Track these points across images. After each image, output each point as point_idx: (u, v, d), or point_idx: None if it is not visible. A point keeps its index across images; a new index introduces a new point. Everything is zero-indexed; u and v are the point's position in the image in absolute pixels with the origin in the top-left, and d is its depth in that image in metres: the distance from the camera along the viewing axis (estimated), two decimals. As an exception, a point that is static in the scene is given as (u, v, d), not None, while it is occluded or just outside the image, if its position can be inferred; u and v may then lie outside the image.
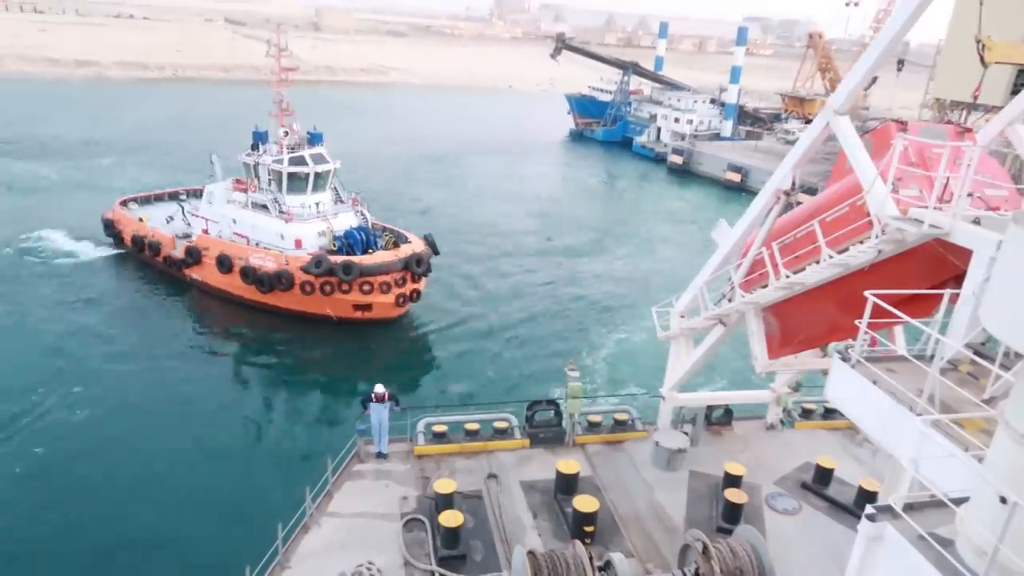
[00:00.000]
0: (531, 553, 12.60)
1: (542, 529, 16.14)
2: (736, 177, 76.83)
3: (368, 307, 36.75)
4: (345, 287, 35.42)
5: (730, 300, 17.21)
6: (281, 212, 38.24)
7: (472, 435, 19.47)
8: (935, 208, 11.16)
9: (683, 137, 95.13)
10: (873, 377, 9.25)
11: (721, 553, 12.64)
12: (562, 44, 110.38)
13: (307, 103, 55.14)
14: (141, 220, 44.88)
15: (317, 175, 38.87)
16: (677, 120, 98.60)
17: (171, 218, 45.77)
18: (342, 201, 40.34)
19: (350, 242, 37.34)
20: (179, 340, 36.07)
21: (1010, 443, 6.11)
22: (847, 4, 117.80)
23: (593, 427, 20.04)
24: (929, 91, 79.72)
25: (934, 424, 7.49)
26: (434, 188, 70.26)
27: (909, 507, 6.73)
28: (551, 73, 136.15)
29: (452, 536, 14.83)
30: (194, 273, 40.90)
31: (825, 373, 12.30)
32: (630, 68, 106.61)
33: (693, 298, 18.93)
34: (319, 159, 39.26)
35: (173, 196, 49.75)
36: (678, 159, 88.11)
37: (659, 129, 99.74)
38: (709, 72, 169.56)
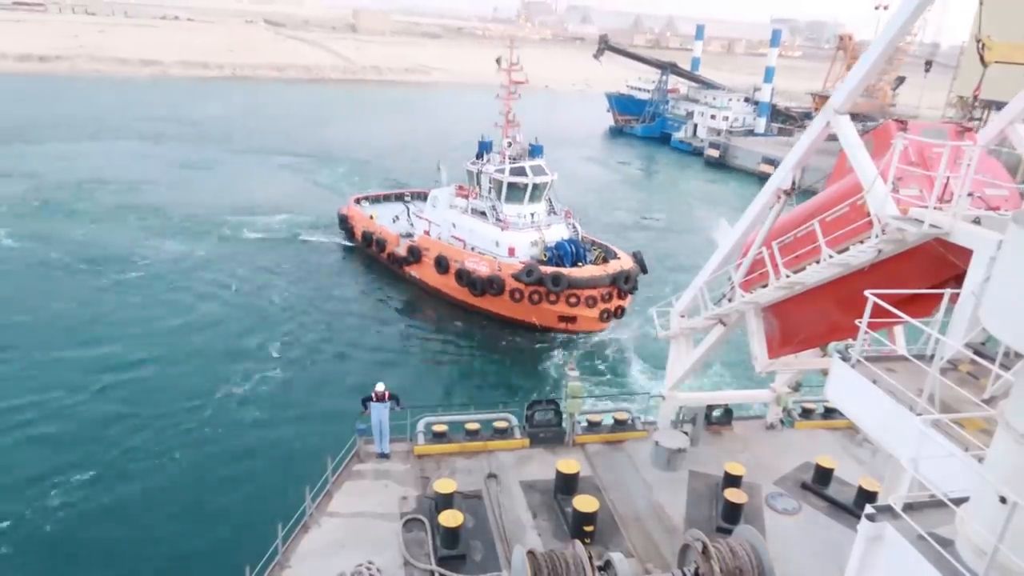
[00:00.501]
0: (531, 553, 12.59)
1: (542, 529, 16.13)
2: (770, 169, 78.87)
3: (572, 319, 37.44)
4: (552, 298, 36.29)
5: (730, 300, 17.20)
6: (498, 220, 39.70)
7: (472, 435, 19.45)
8: (935, 208, 11.15)
9: (719, 133, 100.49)
10: (873, 377, 9.25)
11: (721, 553, 12.63)
12: (605, 45, 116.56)
13: (363, 101, 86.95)
14: (371, 217, 48.56)
15: (535, 186, 40.25)
16: (713, 117, 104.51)
17: (397, 218, 48.81)
18: (555, 213, 41.58)
19: (560, 254, 38.29)
20: (391, 328, 39.28)
21: (1010, 443, 6.10)
22: (876, 8, 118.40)
23: (593, 427, 20.03)
24: (953, 90, 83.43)
25: (934, 424, 7.49)
26: None
27: (909, 507, 6.72)
28: (585, 74, 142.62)
29: (452, 536, 14.82)
30: (413, 271, 43.33)
31: (825, 373, 12.30)
32: (668, 68, 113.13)
33: (693, 298, 18.93)
34: (538, 171, 40.60)
35: (399, 197, 53.60)
36: (715, 152, 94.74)
37: (696, 125, 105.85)
38: (738, 73, 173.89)
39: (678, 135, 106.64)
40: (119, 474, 24.66)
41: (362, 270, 47.90)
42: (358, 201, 53.51)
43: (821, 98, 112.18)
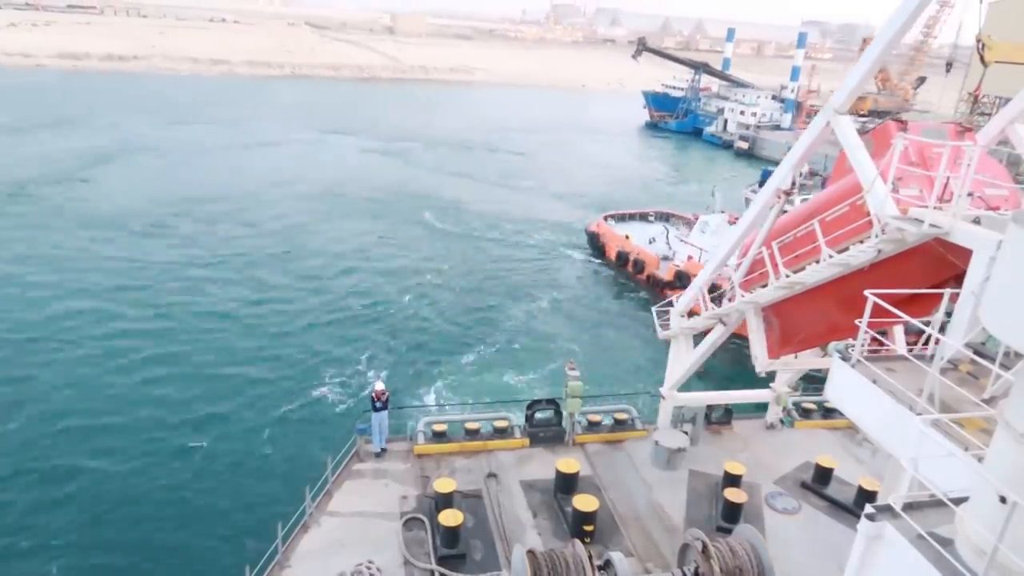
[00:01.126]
0: (531, 552, 12.60)
1: (542, 528, 16.14)
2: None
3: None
4: None
5: (730, 299, 17.21)
6: None
7: (472, 434, 19.46)
8: (935, 208, 11.15)
9: (747, 127, 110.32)
10: (873, 377, 9.25)
11: (721, 552, 12.64)
12: (643, 46, 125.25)
13: (420, 99, 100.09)
14: (627, 238, 48.60)
15: None
16: (742, 113, 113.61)
17: (654, 239, 48.70)
18: None
19: None
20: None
21: (1010, 443, 6.10)
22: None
23: (593, 426, 20.04)
24: (964, 87, 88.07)
25: (934, 424, 7.49)
26: (550, 155, 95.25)
27: (909, 506, 6.72)
28: (619, 74, 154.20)
29: (452, 535, 14.83)
30: (676, 296, 42.53)
31: (825, 373, 12.30)
32: (701, 68, 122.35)
33: (693, 297, 18.93)
34: None
35: (643, 216, 54.62)
36: (744, 144, 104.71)
37: (726, 120, 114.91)
38: (768, 75, 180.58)
39: (709, 129, 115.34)
40: (119, 473, 24.67)
41: (613, 287, 47.59)
42: (606, 219, 54.01)
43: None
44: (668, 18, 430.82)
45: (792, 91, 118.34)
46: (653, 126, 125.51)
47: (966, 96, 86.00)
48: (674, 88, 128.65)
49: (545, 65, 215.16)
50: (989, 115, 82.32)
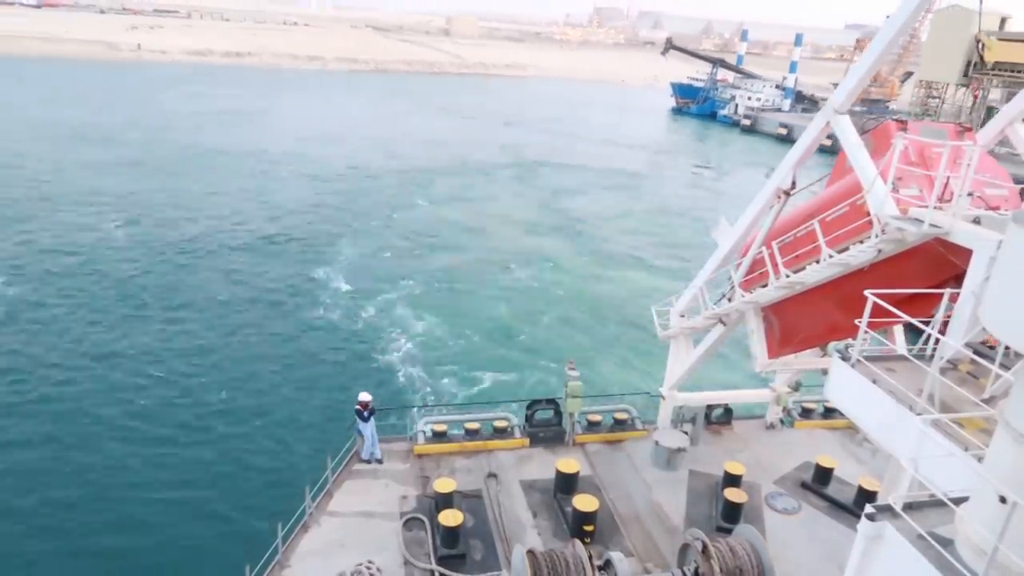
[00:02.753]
0: (531, 552, 12.61)
1: (542, 528, 16.14)
2: (784, 131, 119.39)
3: None
4: None
5: (730, 299, 17.20)
6: None
7: (472, 434, 19.45)
8: (935, 207, 11.15)
9: (753, 110, 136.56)
10: (873, 376, 9.25)
11: (721, 552, 12.65)
12: (670, 45, 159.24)
13: (490, 88, 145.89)
14: None
15: None
16: (750, 99, 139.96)
17: None
18: None
19: None
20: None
21: (1010, 442, 6.10)
22: (927, 12, 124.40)
23: (593, 426, 20.03)
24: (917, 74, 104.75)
25: (934, 423, 7.49)
26: (599, 124, 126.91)
27: (909, 507, 6.73)
28: (654, 72, 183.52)
29: (452, 535, 14.83)
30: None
31: (825, 372, 12.30)
32: (718, 63, 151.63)
33: (693, 297, 18.93)
34: None
35: None
36: (748, 122, 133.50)
37: (736, 105, 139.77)
38: (814, 75, 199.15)
39: (723, 112, 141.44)
40: (118, 473, 24.66)
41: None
42: None
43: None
44: (710, 21, 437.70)
45: (792, 82, 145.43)
46: (678, 111, 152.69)
47: (918, 82, 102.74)
48: (696, 80, 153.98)
49: (589, 63, 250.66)
50: (939, 99, 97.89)
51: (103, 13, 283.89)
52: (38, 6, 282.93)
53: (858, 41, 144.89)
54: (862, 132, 13.59)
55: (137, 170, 69.44)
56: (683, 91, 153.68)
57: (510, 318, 40.58)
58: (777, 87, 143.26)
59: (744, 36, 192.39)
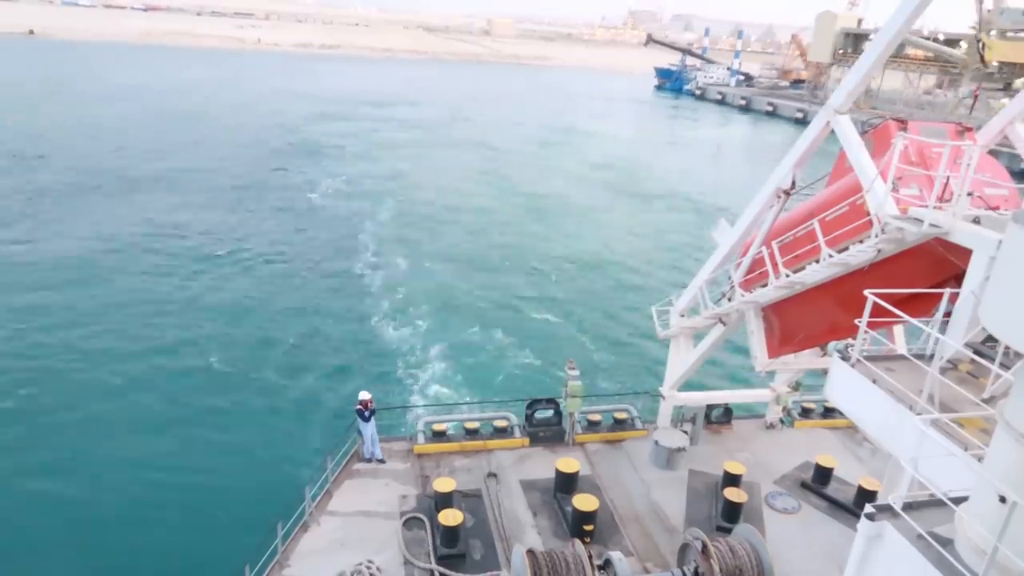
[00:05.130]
0: (530, 552, 12.62)
1: (541, 528, 16.15)
2: (720, 97, 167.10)
3: None
4: None
5: (730, 299, 17.21)
6: None
7: (472, 434, 19.46)
8: (935, 207, 11.16)
9: (707, 86, 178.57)
10: (873, 376, 9.25)
11: (720, 552, 12.66)
12: (650, 39, 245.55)
13: (518, 74, 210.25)
14: None
15: None
16: (706, 77, 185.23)
17: None
18: None
19: None
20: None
21: (1009, 442, 6.10)
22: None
23: (593, 426, 20.04)
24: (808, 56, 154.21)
25: (934, 423, 7.49)
26: (598, 94, 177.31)
27: (908, 506, 6.73)
28: (656, 63, 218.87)
29: (451, 535, 14.84)
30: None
31: (825, 372, 12.31)
32: (686, 53, 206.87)
33: (693, 297, 18.94)
34: None
35: None
36: (699, 92, 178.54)
37: (696, 83, 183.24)
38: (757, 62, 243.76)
39: (687, 87, 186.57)
40: (117, 472, 24.66)
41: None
42: None
43: (784, 72, 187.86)
44: (740, 24, 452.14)
45: (737, 66, 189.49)
46: (659, 88, 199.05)
47: (807, 64, 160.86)
48: (673, 66, 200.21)
49: (605, 58, 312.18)
50: (825, 75, 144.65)
51: (199, 15, 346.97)
52: (145, 9, 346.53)
53: (793, 37, 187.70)
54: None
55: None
56: (662, 73, 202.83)
57: (510, 317, 40.58)
58: (728, 69, 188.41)
59: (707, 32, 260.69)
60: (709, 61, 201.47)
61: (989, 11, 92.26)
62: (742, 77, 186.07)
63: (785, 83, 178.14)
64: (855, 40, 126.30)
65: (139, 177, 63.60)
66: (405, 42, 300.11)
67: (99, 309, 38.08)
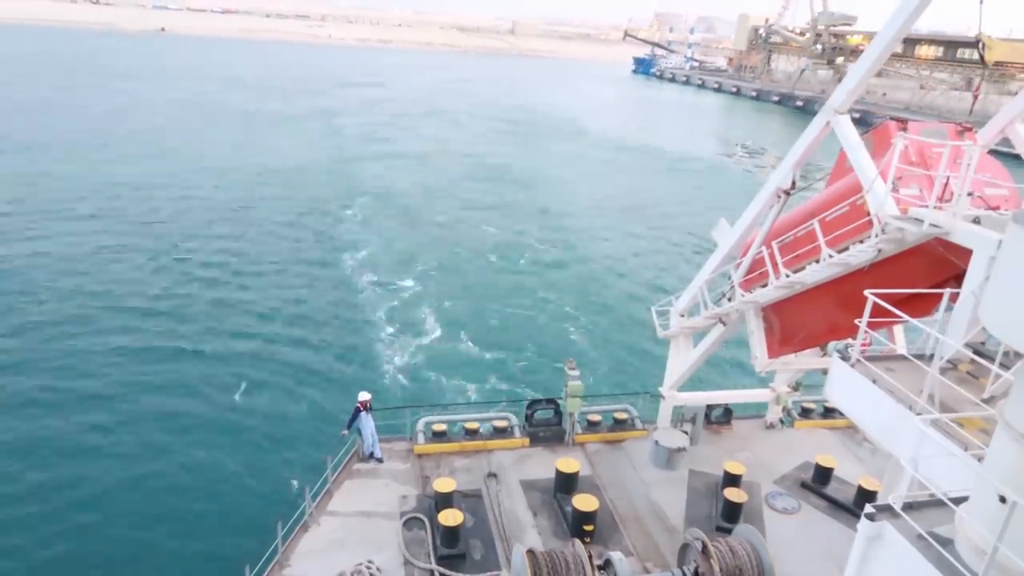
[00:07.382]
0: (530, 552, 12.62)
1: (541, 528, 16.15)
2: (671, 76, 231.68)
3: None
4: None
5: (730, 299, 17.21)
6: None
7: (472, 434, 19.46)
8: (935, 207, 11.16)
9: (666, 69, 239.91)
10: (873, 376, 9.25)
11: (720, 552, 12.66)
12: (627, 34, 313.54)
13: (535, 66, 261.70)
14: None
15: None
16: (667, 63, 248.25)
17: None
18: None
19: None
20: None
21: (1009, 442, 6.10)
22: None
23: (593, 426, 20.05)
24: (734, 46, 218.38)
25: (933, 423, 7.49)
26: (587, 76, 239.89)
27: (908, 506, 6.73)
28: (645, 53, 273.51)
29: (451, 535, 14.84)
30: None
31: (825, 372, 12.31)
32: (654, 45, 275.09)
33: (693, 297, 18.94)
34: None
35: None
36: (659, 73, 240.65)
37: (660, 67, 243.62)
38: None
39: (654, 71, 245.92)
40: (117, 472, 24.66)
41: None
42: None
43: (729, 59, 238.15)
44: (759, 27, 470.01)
45: (690, 54, 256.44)
46: (634, 71, 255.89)
47: (734, 53, 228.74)
48: (647, 55, 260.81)
49: (612, 53, 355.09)
50: (744, 65, 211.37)
51: (268, 17, 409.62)
52: (222, 12, 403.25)
53: (755, 30, 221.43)
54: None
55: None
56: (637, 61, 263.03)
57: (510, 316, 40.58)
58: (686, 57, 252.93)
59: (672, 29, 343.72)
60: (671, 52, 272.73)
61: (820, 13, 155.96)
62: (696, 63, 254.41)
63: (727, 68, 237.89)
64: (765, 35, 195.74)
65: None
66: (442, 38, 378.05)
67: (100, 309, 38.09)
